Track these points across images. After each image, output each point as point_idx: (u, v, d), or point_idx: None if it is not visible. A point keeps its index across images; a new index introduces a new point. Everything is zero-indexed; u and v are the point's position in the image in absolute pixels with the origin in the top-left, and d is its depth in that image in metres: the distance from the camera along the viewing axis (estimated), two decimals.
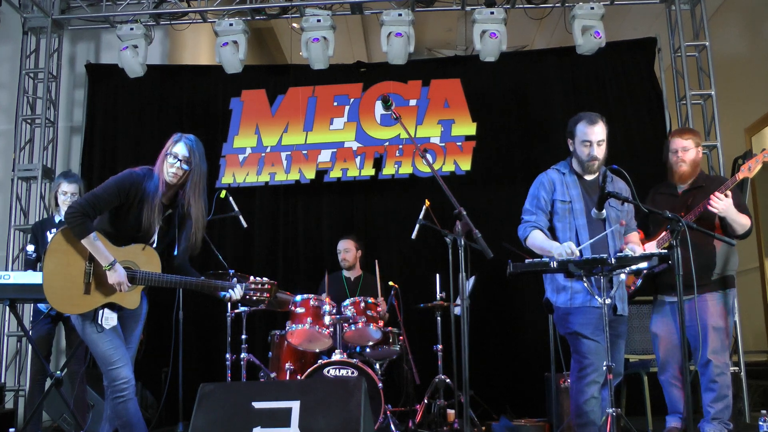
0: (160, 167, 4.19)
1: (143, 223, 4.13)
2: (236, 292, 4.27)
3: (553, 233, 4.68)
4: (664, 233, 5.21)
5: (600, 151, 4.66)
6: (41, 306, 5.93)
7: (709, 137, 7.82)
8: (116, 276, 4.05)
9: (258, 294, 4.33)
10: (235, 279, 4.38)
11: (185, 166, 4.19)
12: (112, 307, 4.15)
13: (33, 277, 5.25)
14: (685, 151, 5.35)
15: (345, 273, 7.28)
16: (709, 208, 5.00)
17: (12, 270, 7.82)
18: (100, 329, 4.07)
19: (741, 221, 5.09)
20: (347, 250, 7.27)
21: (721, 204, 4.97)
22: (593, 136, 4.62)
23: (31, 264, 6.04)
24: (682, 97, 7.95)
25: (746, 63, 8.86)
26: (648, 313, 5.96)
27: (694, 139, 5.42)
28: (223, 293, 4.27)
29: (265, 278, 4.38)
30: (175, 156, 4.17)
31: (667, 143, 5.50)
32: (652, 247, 5.09)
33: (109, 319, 4.11)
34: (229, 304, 6.60)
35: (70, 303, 4.08)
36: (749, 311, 7.99)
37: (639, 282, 5.27)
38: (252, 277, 4.37)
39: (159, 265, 4.22)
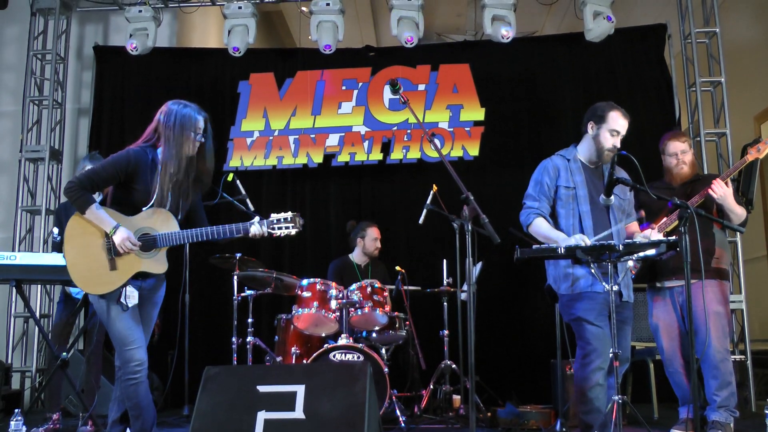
0: (180, 142, 4.19)
1: (154, 195, 4.14)
2: (258, 228, 4.24)
3: (555, 219, 4.68)
4: (665, 218, 5.22)
5: (619, 144, 4.66)
6: (72, 291, 5.94)
7: (718, 125, 7.79)
8: (119, 237, 4.03)
9: (283, 228, 4.28)
10: (257, 218, 4.30)
11: (201, 138, 4.26)
12: (136, 277, 4.15)
13: (39, 258, 5.26)
14: (684, 154, 5.46)
15: (354, 260, 7.25)
16: (709, 192, 5.05)
17: (19, 251, 7.85)
18: (125, 308, 4.08)
19: (737, 211, 5.16)
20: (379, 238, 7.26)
21: (721, 190, 5.04)
22: (623, 128, 4.65)
23: (57, 247, 6.03)
24: (691, 84, 7.92)
25: (757, 50, 8.81)
26: None
27: (688, 141, 5.58)
28: (245, 231, 4.24)
29: (288, 213, 4.33)
30: (198, 131, 4.25)
31: (663, 146, 5.58)
32: (656, 235, 5.08)
33: (131, 297, 4.11)
34: (235, 286, 6.63)
35: (100, 282, 4.07)
36: (756, 299, 7.96)
37: (637, 268, 5.27)
38: (273, 215, 4.31)
39: (176, 225, 4.19)
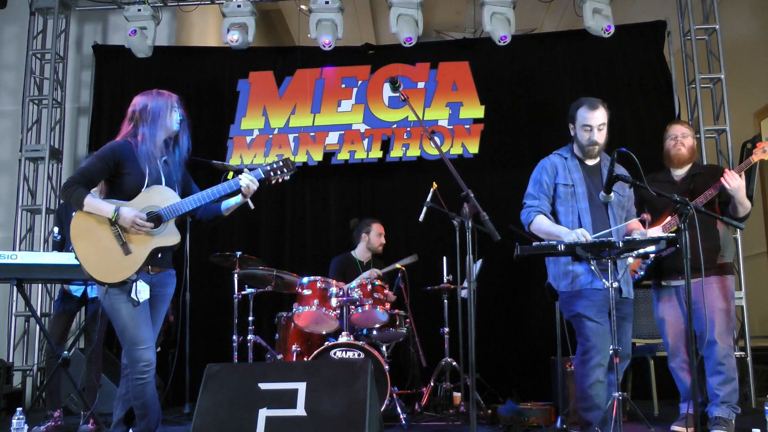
0: (156, 121, 4.29)
1: (146, 178, 4.19)
2: (247, 179, 4.26)
3: (555, 217, 4.69)
4: (669, 218, 5.22)
5: (600, 136, 4.67)
6: (71, 288, 5.95)
7: (718, 121, 7.79)
8: (126, 217, 4.05)
9: (279, 173, 4.34)
10: (245, 170, 4.34)
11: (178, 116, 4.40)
12: (147, 264, 4.17)
13: (40, 257, 5.25)
14: (684, 137, 5.47)
15: (357, 256, 7.25)
16: (723, 182, 5.02)
17: (19, 250, 7.85)
18: (136, 303, 4.07)
19: (746, 204, 5.18)
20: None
21: (735, 182, 5.02)
22: (593, 120, 4.64)
23: (57, 246, 6.04)
24: (691, 81, 7.92)
25: (756, 47, 8.81)
26: None
27: (690, 129, 5.60)
28: (236, 186, 4.26)
29: (278, 159, 4.39)
30: (174, 109, 4.38)
31: (665, 134, 5.61)
32: (657, 232, 5.08)
33: (142, 291, 4.10)
34: (236, 284, 6.63)
35: (118, 269, 4.07)
36: (756, 296, 7.97)
37: (644, 267, 5.28)
38: (264, 163, 4.38)
39: (176, 196, 4.24)
